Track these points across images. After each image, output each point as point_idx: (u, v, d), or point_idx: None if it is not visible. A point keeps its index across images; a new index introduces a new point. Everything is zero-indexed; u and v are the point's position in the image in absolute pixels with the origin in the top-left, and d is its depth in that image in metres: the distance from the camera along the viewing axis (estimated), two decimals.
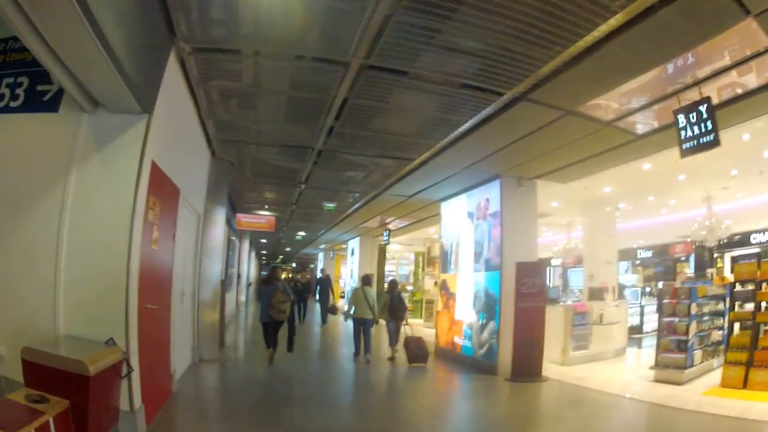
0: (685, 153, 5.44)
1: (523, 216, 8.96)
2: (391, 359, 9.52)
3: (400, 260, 28.11)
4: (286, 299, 8.51)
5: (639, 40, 4.23)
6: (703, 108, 5.24)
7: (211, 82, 5.40)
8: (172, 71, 4.81)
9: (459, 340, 9.69)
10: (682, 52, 4.69)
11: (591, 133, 6.40)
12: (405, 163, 8.23)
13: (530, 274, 8.36)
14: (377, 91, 5.30)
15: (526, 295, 8.25)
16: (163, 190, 4.86)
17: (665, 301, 7.99)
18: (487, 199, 9.17)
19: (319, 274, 21.78)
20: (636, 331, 12.41)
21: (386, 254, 22.05)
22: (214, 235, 8.19)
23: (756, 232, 14.50)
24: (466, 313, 9.54)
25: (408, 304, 20.76)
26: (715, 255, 16.19)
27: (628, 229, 14.71)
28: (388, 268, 24.21)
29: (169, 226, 5.36)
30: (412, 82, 5.05)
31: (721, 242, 12.22)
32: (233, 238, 16.00)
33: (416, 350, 9.11)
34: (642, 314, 12.87)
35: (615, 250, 13.11)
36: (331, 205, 12.05)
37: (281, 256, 38.11)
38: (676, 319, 7.60)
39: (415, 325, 14.75)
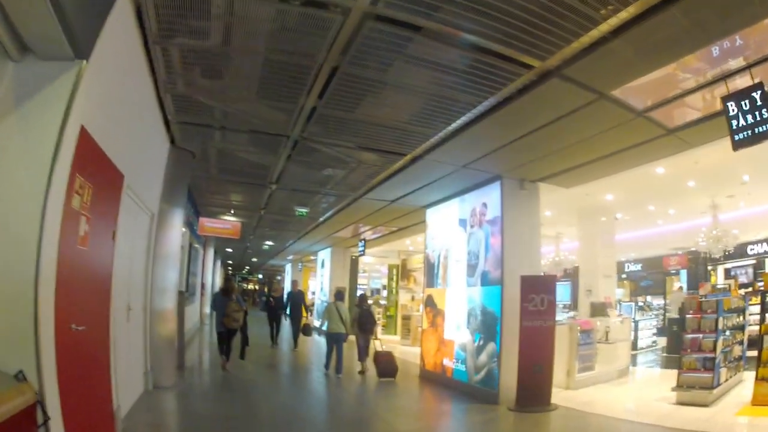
0: (738, 144, 4.66)
1: (526, 223, 8.03)
2: (361, 373, 9.49)
3: (372, 273, 26.99)
4: (239, 309, 9.06)
5: (704, 6, 3.50)
6: (756, 95, 4.53)
7: (172, 39, 4.27)
8: (123, 16, 3.69)
9: (450, 363, 8.66)
10: (752, 22, 3.89)
11: (617, 125, 5.58)
12: (394, 159, 7.22)
13: (538, 288, 7.32)
14: (378, 55, 4.28)
15: (533, 313, 7.19)
16: (97, 170, 3.68)
17: (689, 315, 7.25)
18: (484, 204, 8.24)
19: (289, 287, 20.40)
20: (631, 347, 11.65)
21: (359, 266, 20.89)
22: (171, 238, 6.95)
23: (752, 243, 14.13)
24: (458, 332, 8.54)
25: (381, 319, 19.95)
26: (709, 267, 15.79)
27: (619, 241, 14.01)
28: (359, 281, 23.08)
29: (108, 221, 4.16)
30: (423, 44, 4.05)
31: (727, 253, 11.74)
32: (197, 245, 14.65)
33: (385, 365, 9.13)
34: (636, 329, 12.18)
35: (614, 262, 12.46)
36: (303, 211, 10.90)
37: (247, 267, 36.43)
38: (700, 336, 6.83)
39: (390, 342, 14.55)
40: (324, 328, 9.57)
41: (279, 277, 37.21)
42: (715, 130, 5.23)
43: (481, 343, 7.87)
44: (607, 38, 3.91)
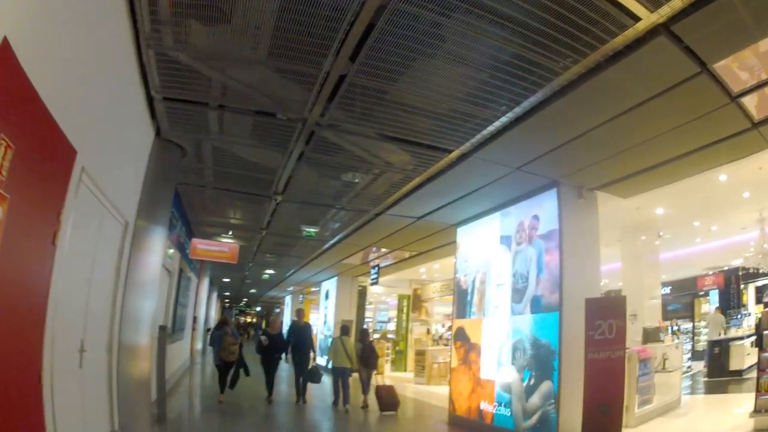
0: None
1: (586, 238, 6.70)
2: (365, 407, 9.41)
3: (378, 305, 25.28)
4: (235, 342, 9.29)
5: None
6: None
7: None
8: None
9: (489, 407, 7.10)
10: None
11: (704, 114, 4.63)
12: (434, 158, 5.86)
13: (606, 313, 5.94)
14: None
15: (600, 343, 5.81)
16: (26, 121, 2.28)
17: (767, 332, 6.44)
18: (535, 216, 6.85)
19: (289, 319, 18.51)
20: None
21: (366, 297, 19.29)
22: (151, 256, 5.46)
23: None
24: (499, 371, 7.02)
25: (390, 355, 18.22)
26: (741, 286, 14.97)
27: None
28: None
29: (44, 213, 2.74)
30: None
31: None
32: (189, 273, 13.11)
33: (387, 398, 9.08)
34: None
35: (659, 284, 11.27)
36: (312, 231, 9.45)
37: (245, 299, 34.58)
38: None
39: (402, 381, 13.68)
40: (328, 365, 9.54)
41: (277, 310, 35.33)
42: None
43: (532, 382, 6.41)
44: None
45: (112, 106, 3.89)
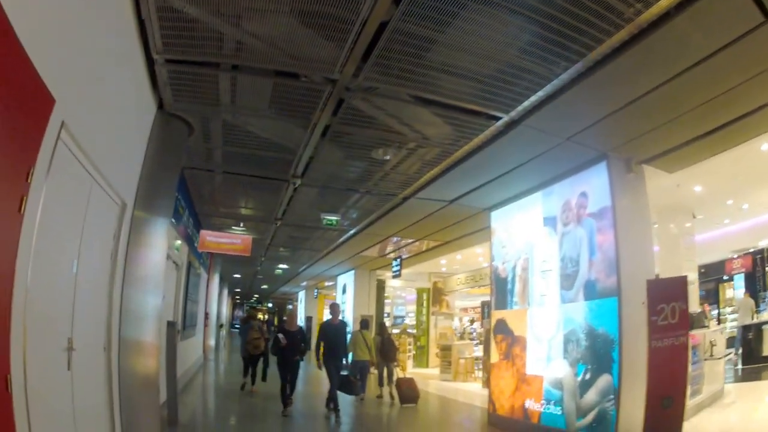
0: None
1: (638, 215, 5.97)
2: (379, 397, 9.81)
3: (395, 299, 24.58)
4: (260, 336, 9.94)
5: None
6: None
7: None
8: None
9: (536, 406, 6.39)
10: None
11: (764, 70, 3.99)
12: (478, 127, 5.13)
13: (669, 295, 5.29)
14: None
15: (664, 329, 5.17)
16: None
17: None
18: (583, 194, 6.11)
19: (303, 315, 17.75)
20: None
21: (385, 291, 18.59)
22: (154, 245, 4.78)
23: None
24: (549, 365, 6.30)
25: (411, 350, 17.54)
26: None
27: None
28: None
29: (5, 171, 2.08)
30: None
31: None
32: (199, 269, 12.51)
33: (407, 391, 9.15)
34: None
35: (695, 267, 10.48)
36: (333, 219, 8.72)
37: (256, 295, 34.02)
38: None
39: (427, 377, 13.38)
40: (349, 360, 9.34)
41: (290, 306, 34.69)
42: None
43: (588, 376, 5.71)
44: None
45: (104, 64, 3.22)
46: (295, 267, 17.62)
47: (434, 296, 17.95)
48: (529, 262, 6.90)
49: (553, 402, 6.13)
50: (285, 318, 9.97)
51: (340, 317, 8.50)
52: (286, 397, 7.68)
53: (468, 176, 6.55)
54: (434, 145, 5.65)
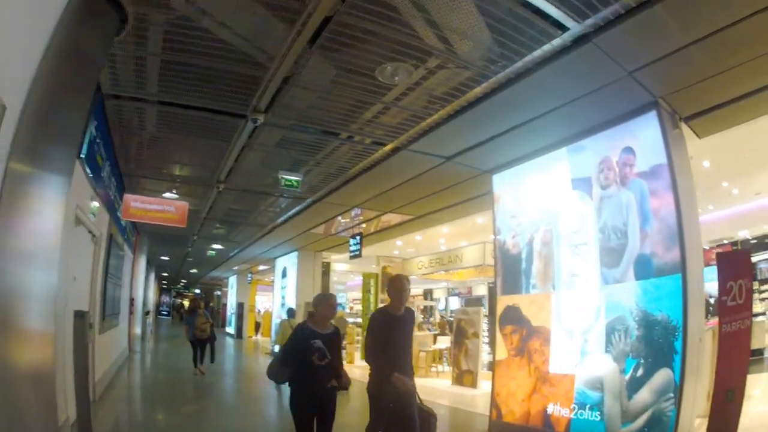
0: None
1: (688, 177, 4.87)
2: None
3: (335, 285, 23.05)
4: (206, 321, 11.02)
5: None
6: None
7: None
8: None
9: (563, 412, 5.16)
10: None
11: None
12: (535, 39, 3.72)
13: (737, 271, 4.39)
14: None
15: (733, 311, 4.28)
16: None
17: None
18: (628, 149, 4.92)
19: (234, 301, 15.72)
20: None
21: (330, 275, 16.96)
22: (49, 193, 2.90)
23: None
24: (584, 361, 5.08)
25: (357, 339, 16.11)
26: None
27: None
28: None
29: None
30: None
31: None
32: (123, 247, 10.32)
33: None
34: None
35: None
36: (293, 179, 6.99)
37: (184, 281, 31.00)
38: None
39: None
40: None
41: (218, 292, 32.01)
42: None
43: (640, 372, 4.57)
44: None
45: None
46: (231, 247, 15.56)
47: (383, 283, 16.60)
48: (553, 234, 5.62)
49: (588, 406, 4.92)
50: (313, 311, 4.20)
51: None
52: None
53: (481, 123, 5.15)
54: (461, 66, 4.18)
